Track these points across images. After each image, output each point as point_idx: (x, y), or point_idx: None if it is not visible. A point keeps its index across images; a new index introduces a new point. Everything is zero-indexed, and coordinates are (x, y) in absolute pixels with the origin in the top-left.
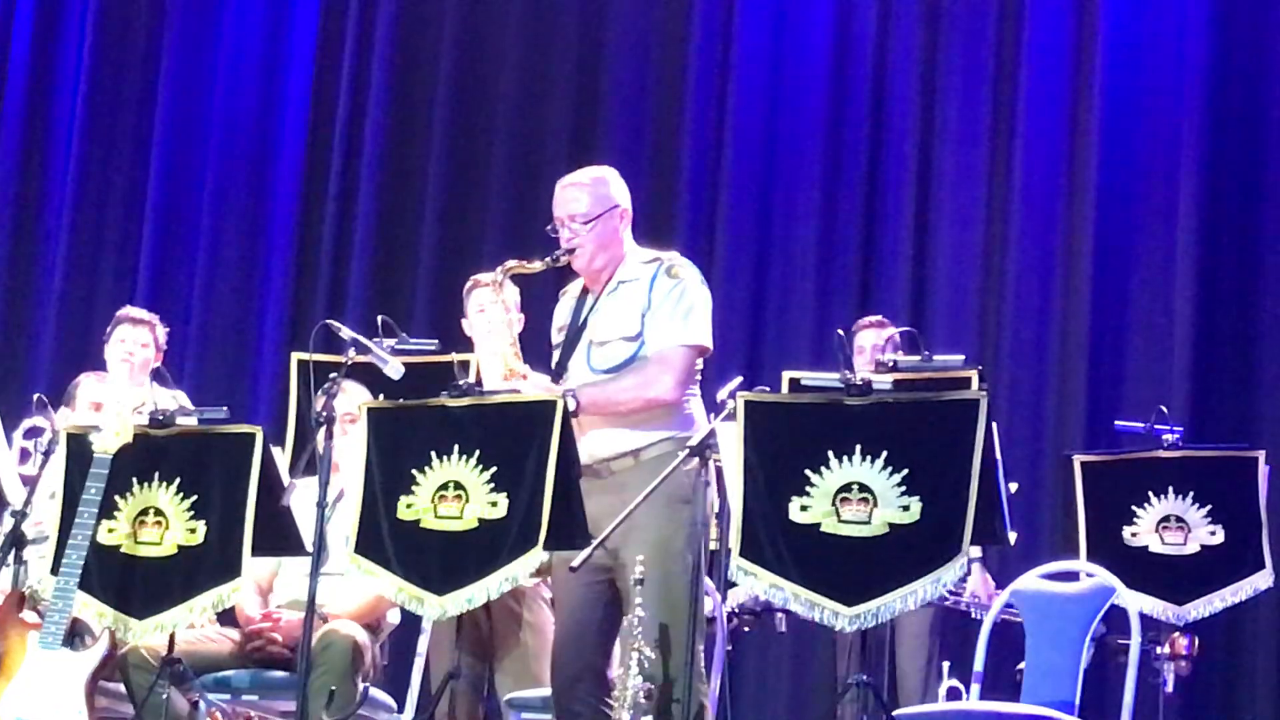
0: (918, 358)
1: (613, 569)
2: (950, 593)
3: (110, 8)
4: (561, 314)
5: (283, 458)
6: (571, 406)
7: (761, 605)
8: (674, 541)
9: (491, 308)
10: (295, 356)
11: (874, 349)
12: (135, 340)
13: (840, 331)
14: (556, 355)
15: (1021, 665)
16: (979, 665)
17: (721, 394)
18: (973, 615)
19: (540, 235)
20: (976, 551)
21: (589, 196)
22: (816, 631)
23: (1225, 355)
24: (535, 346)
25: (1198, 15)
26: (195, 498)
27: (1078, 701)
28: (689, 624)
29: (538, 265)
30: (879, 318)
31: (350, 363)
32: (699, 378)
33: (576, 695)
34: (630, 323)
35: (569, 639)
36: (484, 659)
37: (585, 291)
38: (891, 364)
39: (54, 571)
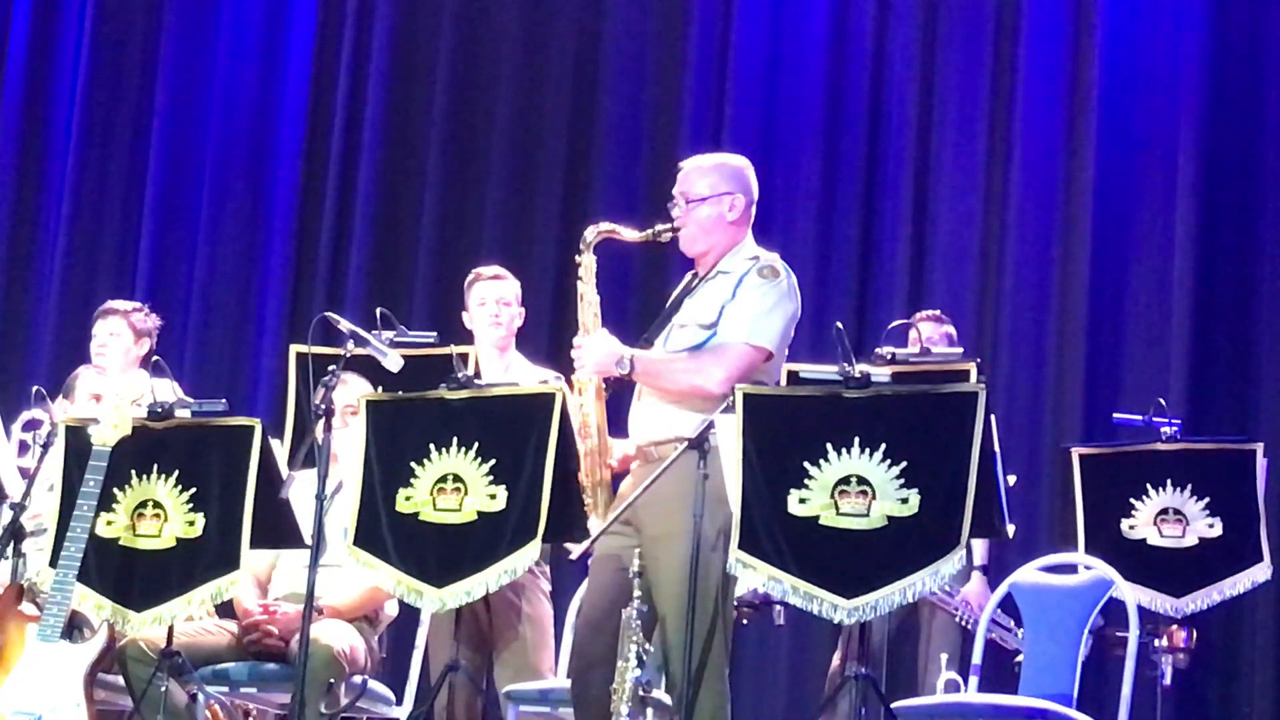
0: (916, 349)
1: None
2: (946, 594)
3: (109, 1)
4: (673, 292)
5: (281, 450)
6: (625, 369)
7: (760, 598)
8: (708, 539)
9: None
10: (294, 349)
11: (928, 341)
12: (105, 332)
13: (839, 325)
14: (651, 328)
15: (1020, 658)
16: (977, 657)
17: None
18: (960, 621)
19: (540, 228)
20: (980, 558)
21: (704, 178)
22: (815, 624)
23: (1223, 348)
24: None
25: (1194, 5)
26: (194, 490)
27: (1076, 694)
28: (717, 623)
29: (634, 235)
30: (937, 311)
31: (349, 355)
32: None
33: (592, 681)
34: (710, 311)
35: (592, 623)
36: (483, 651)
37: (694, 275)
38: (890, 356)
39: (53, 564)
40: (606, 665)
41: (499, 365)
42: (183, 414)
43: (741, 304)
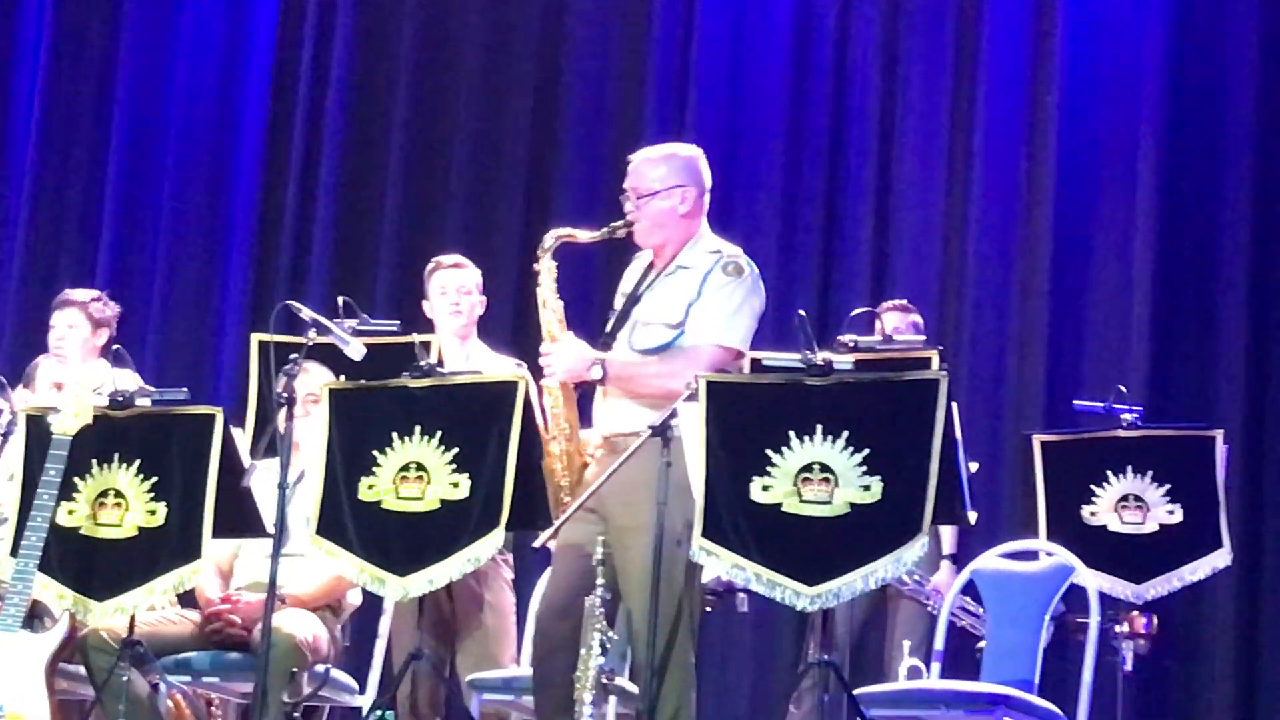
0: (878, 338)
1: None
2: (916, 582)
3: None
4: (627, 280)
5: (243, 439)
6: (598, 375)
7: (724, 585)
8: (675, 530)
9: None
10: (256, 337)
11: (894, 331)
12: (63, 323)
13: (801, 312)
14: (611, 322)
15: (982, 644)
16: (939, 644)
17: None
18: (930, 609)
19: (503, 216)
20: (949, 546)
21: (654, 172)
22: (779, 612)
23: (1183, 336)
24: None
25: None
26: (155, 479)
27: (1037, 680)
28: (684, 613)
29: (590, 235)
30: (903, 301)
31: (311, 343)
32: None
33: (554, 667)
34: (676, 310)
35: (556, 608)
36: (446, 640)
37: (651, 265)
38: (852, 344)
39: (13, 553)
40: (568, 652)
41: (460, 354)
42: (144, 403)
43: (709, 304)
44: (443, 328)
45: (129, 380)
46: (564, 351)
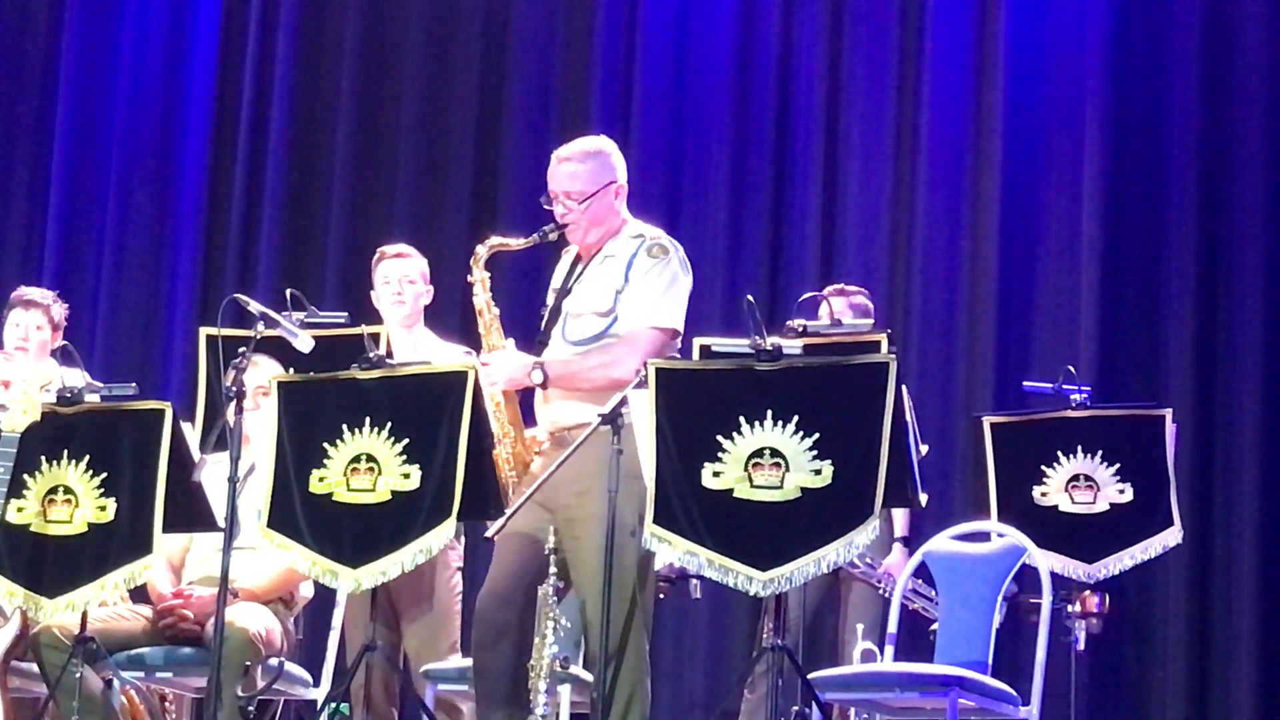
0: (826, 322)
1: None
2: (869, 565)
3: None
4: (557, 277)
5: (193, 433)
6: (539, 379)
7: (676, 572)
8: (624, 516)
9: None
10: (204, 331)
11: (843, 314)
12: (29, 324)
13: (749, 298)
14: (544, 319)
15: (935, 626)
16: (893, 626)
17: None
18: (882, 592)
19: (450, 206)
20: (901, 529)
21: (584, 171)
22: (732, 597)
23: (1131, 316)
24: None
25: None
26: (105, 475)
27: (990, 661)
28: (647, 593)
29: (521, 242)
30: (843, 286)
31: (259, 337)
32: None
33: (497, 652)
34: (604, 298)
35: (499, 594)
36: (397, 629)
37: (578, 258)
38: (801, 329)
39: None
40: (509, 640)
41: (407, 343)
42: (92, 399)
43: (638, 288)
44: (388, 317)
45: (78, 378)
46: (503, 361)
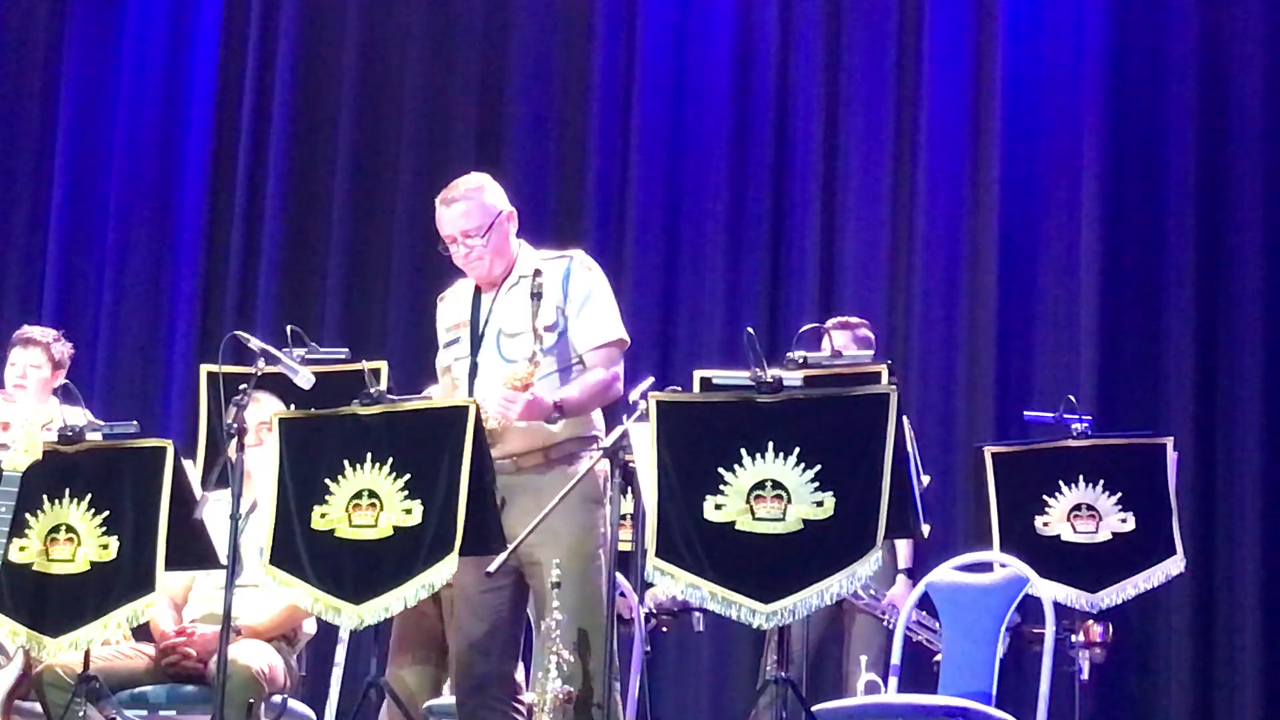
0: (827, 354)
1: (521, 569)
2: (872, 597)
3: (8, 21)
4: (452, 314)
5: (194, 471)
6: (556, 417)
7: (679, 605)
8: (587, 543)
9: None
10: (205, 369)
11: (842, 348)
12: (25, 362)
13: (750, 330)
14: (456, 351)
15: (938, 657)
16: (896, 658)
17: (634, 395)
18: (886, 624)
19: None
20: (904, 560)
21: (477, 208)
22: (735, 630)
23: (1131, 344)
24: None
25: (1096, 5)
26: (107, 513)
27: (994, 691)
28: (605, 626)
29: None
30: (847, 318)
31: (260, 373)
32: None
33: (485, 701)
34: (545, 313)
35: (476, 644)
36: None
37: (478, 290)
38: (801, 360)
39: None
40: (499, 681)
41: None
42: (94, 437)
43: (587, 304)
44: None
45: (79, 416)
46: (531, 404)
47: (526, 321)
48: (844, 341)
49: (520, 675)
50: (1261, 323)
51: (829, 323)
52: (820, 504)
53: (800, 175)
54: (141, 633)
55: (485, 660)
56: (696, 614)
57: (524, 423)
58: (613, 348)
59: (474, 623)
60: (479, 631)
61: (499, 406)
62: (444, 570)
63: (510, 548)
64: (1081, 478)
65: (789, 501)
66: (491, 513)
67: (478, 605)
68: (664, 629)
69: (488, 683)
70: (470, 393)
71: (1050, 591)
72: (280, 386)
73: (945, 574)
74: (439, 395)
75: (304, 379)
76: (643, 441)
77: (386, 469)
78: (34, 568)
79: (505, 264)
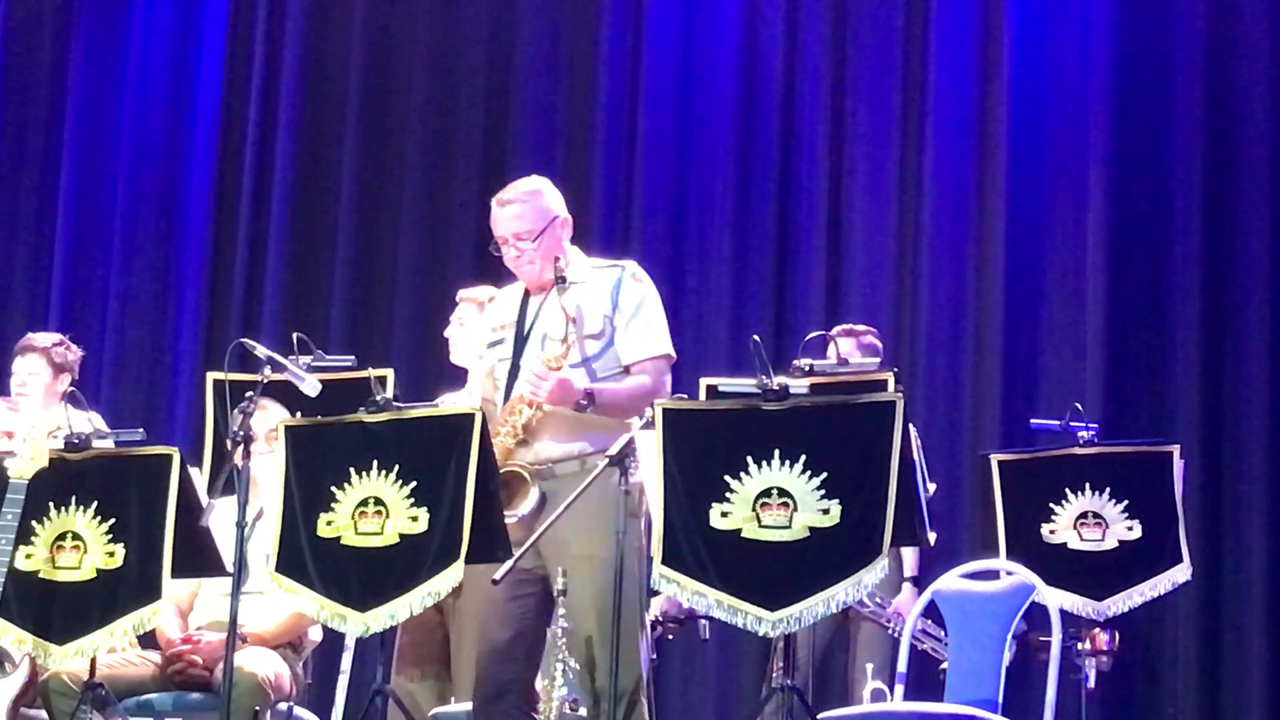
0: (833, 361)
1: (546, 580)
2: (878, 605)
3: (15, 30)
4: (500, 314)
5: (200, 478)
6: (586, 406)
7: (685, 613)
8: (608, 552)
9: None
10: (211, 376)
11: (850, 354)
12: (24, 370)
13: (756, 338)
14: (500, 351)
15: (944, 665)
16: (902, 666)
17: None
18: (892, 632)
19: (455, 249)
20: (910, 568)
21: (531, 211)
22: (741, 637)
23: (1137, 352)
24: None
25: (1102, 11)
26: (113, 521)
27: (1001, 700)
28: (637, 634)
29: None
30: (851, 325)
31: (266, 381)
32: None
33: (501, 709)
34: (593, 321)
35: (500, 650)
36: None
37: (528, 293)
38: (807, 368)
39: None
40: (518, 690)
41: None
42: (101, 444)
43: (638, 316)
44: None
45: (97, 422)
46: (561, 385)
47: (578, 327)
48: (849, 348)
49: (539, 684)
50: (1268, 330)
51: (835, 330)
52: (826, 511)
53: (806, 181)
54: (147, 640)
55: (509, 666)
56: (703, 621)
57: (552, 406)
58: (660, 361)
59: (500, 629)
60: (504, 638)
61: (528, 384)
62: (450, 578)
63: (515, 558)
64: (1088, 486)
65: (795, 509)
66: (498, 520)
67: (505, 612)
68: (670, 636)
69: (509, 689)
70: (509, 395)
71: (1057, 599)
72: (286, 394)
73: (952, 582)
74: (473, 395)
75: (310, 386)
76: (649, 449)
77: (393, 476)
78: (40, 575)
79: (559, 268)
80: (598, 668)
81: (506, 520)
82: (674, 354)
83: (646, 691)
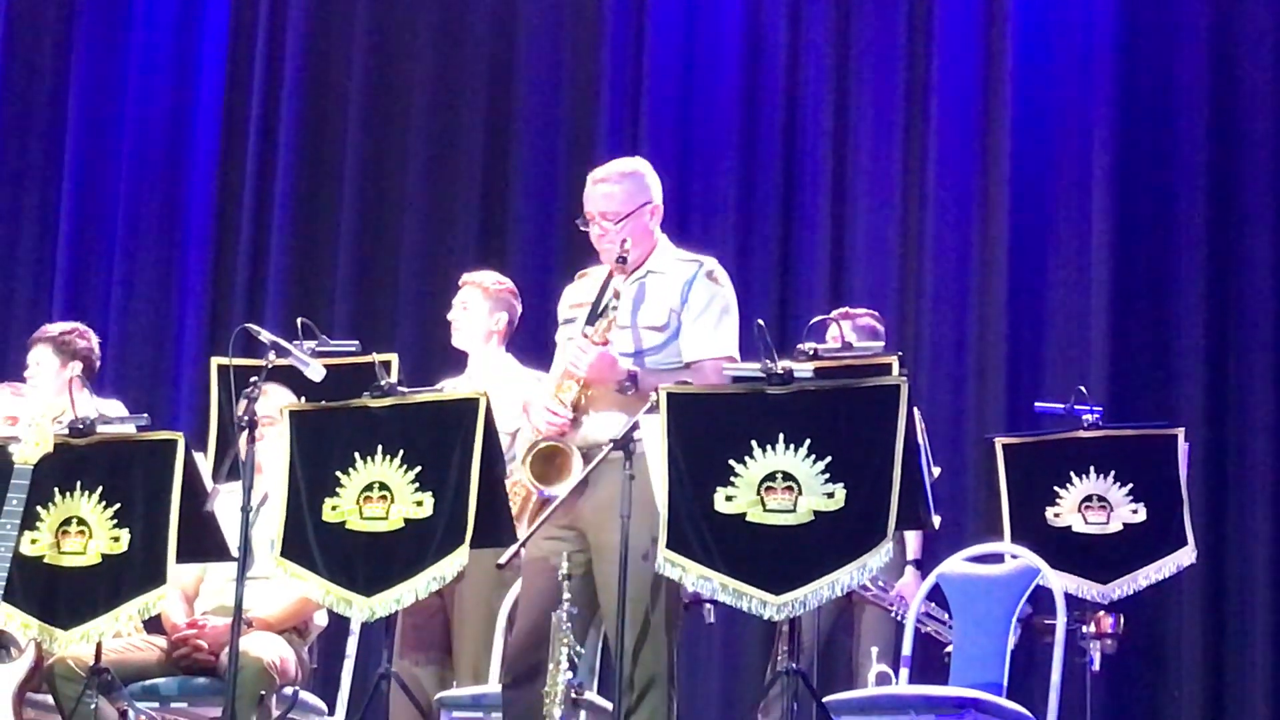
0: (837, 345)
1: (588, 564)
2: (881, 588)
3: (19, 18)
4: (579, 293)
5: (205, 463)
6: (628, 387)
7: (690, 597)
8: (642, 538)
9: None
10: (215, 361)
11: (855, 337)
12: (33, 360)
13: (760, 322)
14: (570, 330)
15: (949, 649)
16: (907, 649)
17: None
18: (895, 615)
19: (459, 235)
20: (914, 552)
21: (622, 193)
22: (746, 621)
23: (1141, 335)
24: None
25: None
26: (118, 506)
27: (1005, 682)
28: (665, 618)
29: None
30: (846, 308)
31: (270, 366)
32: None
33: (535, 688)
34: (658, 313)
35: (533, 635)
36: (433, 656)
37: (610, 275)
38: (812, 352)
39: None
40: (543, 678)
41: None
42: (110, 429)
43: (705, 315)
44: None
45: (116, 408)
46: (602, 358)
47: (641, 317)
48: (848, 330)
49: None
50: (1272, 314)
51: (834, 313)
52: (831, 495)
53: (810, 168)
54: (153, 625)
55: (541, 650)
56: (708, 605)
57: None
58: (721, 362)
59: (534, 611)
60: (538, 622)
61: (572, 352)
62: (455, 562)
63: (519, 542)
64: (1093, 469)
65: (800, 493)
66: (502, 504)
67: (539, 594)
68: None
69: (540, 670)
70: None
71: (1061, 583)
72: (291, 379)
73: (956, 565)
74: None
75: (315, 371)
76: (653, 433)
77: (397, 461)
78: (45, 560)
79: (639, 254)
80: (625, 654)
81: (552, 496)
82: (732, 354)
83: (667, 678)
